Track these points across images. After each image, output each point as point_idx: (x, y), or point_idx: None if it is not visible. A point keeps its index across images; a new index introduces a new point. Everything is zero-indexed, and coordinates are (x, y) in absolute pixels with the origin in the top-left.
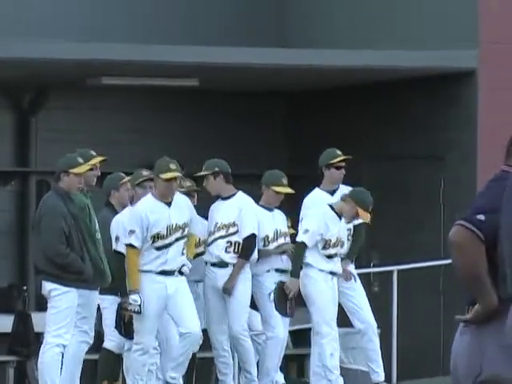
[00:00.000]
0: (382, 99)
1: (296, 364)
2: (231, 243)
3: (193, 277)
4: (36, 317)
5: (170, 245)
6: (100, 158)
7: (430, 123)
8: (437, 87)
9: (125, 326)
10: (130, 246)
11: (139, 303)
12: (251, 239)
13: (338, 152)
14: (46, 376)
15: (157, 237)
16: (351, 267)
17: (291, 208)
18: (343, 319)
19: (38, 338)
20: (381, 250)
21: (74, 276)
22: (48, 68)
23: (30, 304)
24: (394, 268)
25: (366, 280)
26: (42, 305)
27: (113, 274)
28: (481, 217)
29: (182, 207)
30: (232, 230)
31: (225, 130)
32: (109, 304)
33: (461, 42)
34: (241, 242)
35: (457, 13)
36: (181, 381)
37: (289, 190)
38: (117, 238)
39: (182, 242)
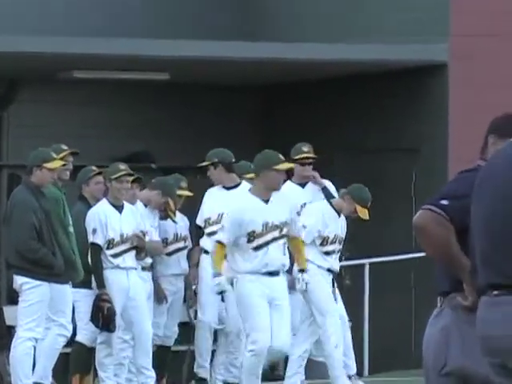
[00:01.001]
0: (354, 92)
1: None
2: None
3: (172, 271)
4: (8, 310)
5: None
6: (69, 151)
7: (402, 116)
8: (408, 80)
9: (103, 319)
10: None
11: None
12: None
13: (304, 148)
14: (18, 369)
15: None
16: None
17: None
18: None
19: (10, 331)
20: (353, 244)
21: (45, 270)
22: (19, 62)
23: (1, 298)
24: (366, 261)
25: (337, 273)
26: (13, 298)
27: (86, 267)
28: (444, 201)
29: None
30: None
31: (196, 124)
32: (81, 297)
33: (432, 36)
34: None
35: (428, 6)
36: (153, 373)
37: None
38: (94, 231)
39: None
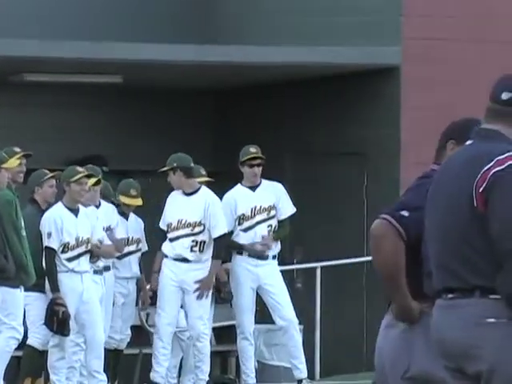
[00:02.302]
0: (305, 95)
1: (219, 360)
2: (197, 242)
3: (123, 274)
4: None
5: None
6: (23, 153)
7: (354, 119)
8: (360, 83)
9: (58, 322)
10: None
11: None
12: (224, 238)
13: (252, 150)
14: None
15: None
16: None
17: None
18: (265, 316)
19: None
20: (304, 247)
21: None
22: None
23: None
24: (318, 265)
25: (289, 277)
26: None
27: (38, 270)
28: (404, 213)
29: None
30: (198, 229)
31: (149, 127)
32: (32, 300)
33: (384, 39)
34: (206, 241)
35: (379, 9)
36: (104, 376)
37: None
38: (49, 234)
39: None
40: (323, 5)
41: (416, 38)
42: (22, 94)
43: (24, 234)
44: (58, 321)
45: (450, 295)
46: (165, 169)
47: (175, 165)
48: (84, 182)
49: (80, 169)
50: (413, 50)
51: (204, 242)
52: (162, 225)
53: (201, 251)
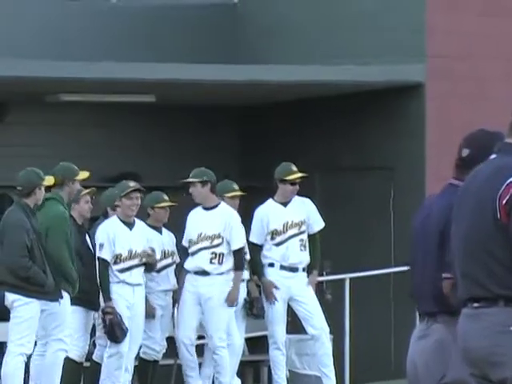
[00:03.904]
0: (333, 113)
1: (252, 370)
2: (216, 255)
3: (162, 287)
4: None
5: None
6: (87, 174)
7: (380, 135)
8: (386, 100)
9: (107, 330)
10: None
11: None
12: (242, 250)
13: (294, 168)
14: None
15: None
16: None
17: (243, 218)
18: (296, 326)
19: (1, 347)
20: (333, 259)
21: (36, 287)
22: (7, 85)
23: None
24: (346, 276)
25: (319, 288)
26: (4, 315)
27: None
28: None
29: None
30: (217, 241)
31: (179, 144)
32: (70, 313)
33: (408, 57)
34: (225, 253)
35: (404, 27)
36: None
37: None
38: (101, 245)
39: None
40: (348, 23)
41: (440, 55)
42: (58, 114)
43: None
44: (106, 328)
45: (476, 304)
46: (194, 180)
47: (205, 178)
48: (134, 196)
49: (131, 183)
50: (437, 67)
51: (223, 255)
52: (185, 242)
53: (220, 263)
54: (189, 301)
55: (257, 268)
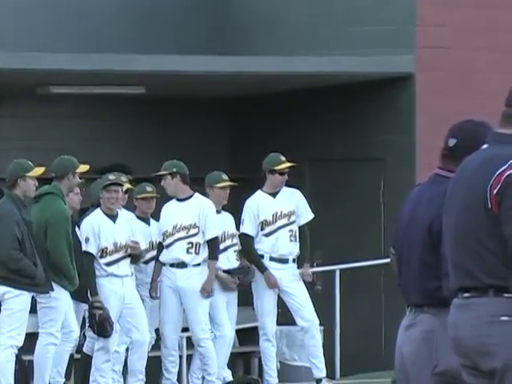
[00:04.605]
0: (322, 104)
1: (242, 361)
2: (192, 244)
3: (148, 279)
4: None
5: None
6: (87, 167)
7: (370, 127)
8: (376, 92)
9: (97, 325)
10: None
11: None
12: (217, 240)
13: (282, 158)
14: (0, 376)
15: None
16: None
17: (233, 209)
18: (286, 317)
19: None
20: (323, 251)
21: (27, 280)
22: None
23: None
24: (337, 267)
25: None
26: None
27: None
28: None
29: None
30: (193, 231)
31: (169, 135)
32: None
33: (398, 48)
34: (201, 242)
35: (394, 18)
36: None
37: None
38: (87, 239)
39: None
40: (337, 15)
41: (430, 46)
42: (49, 106)
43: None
44: (96, 324)
45: (466, 294)
46: (163, 173)
47: (174, 170)
48: (112, 189)
49: (111, 176)
50: (427, 58)
51: (199, 244)
52: (159, 236)
53: (196, 253)
54: (169, 295)
55: (255, 259)
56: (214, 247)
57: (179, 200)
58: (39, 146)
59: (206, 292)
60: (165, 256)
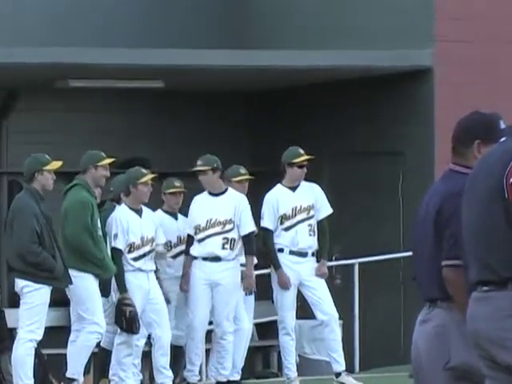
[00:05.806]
0: (342, 98)
1: (262, 355)
2: (228, 240)
3: (179, 273)
4: (9, 313)
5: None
6: (110, 160)
7: (390, 120)
8: (395, 85)
9: (126, 322)
10: None
11: None
12: (252, 235)
13: (301, 151)
14: (19, 370)
15: None
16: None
17: (253, 203)
18: (306, 311)
19: (12, 333)
20: (343, 244)
21: (46, 273)
22: (17, 72)
23: (3, 300)
24: (355, 261)
25: (328, 273)
26: (14, 301)
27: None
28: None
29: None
30: (228, 226)
31: (188, 130)
32: None
33: (417, 42)
34: (236, 238)
35: (412, 11)
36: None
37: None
38: (115, 236)
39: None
40: (356, 8)
41: (448, 40)
42: (68, 100)
43: (100, 233)
44: (126, 320)
45: (485, 288)
46: (205, 168)
47: (215, 165)
48: (150, 183)
49: (145, 170)
50: (446, 52)
51: (234, 240)
52: (189, 229)
53: (231, 249)
54: (200, 287)
55: (272, 255)
56: (250, 242)
57: (213, 195)
58: (57, 139)
59: (250, 288)
60: (198, 250)
